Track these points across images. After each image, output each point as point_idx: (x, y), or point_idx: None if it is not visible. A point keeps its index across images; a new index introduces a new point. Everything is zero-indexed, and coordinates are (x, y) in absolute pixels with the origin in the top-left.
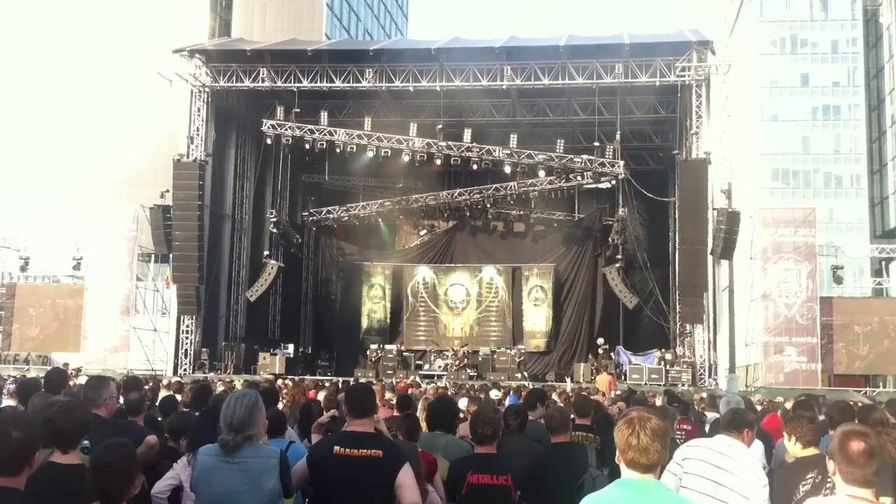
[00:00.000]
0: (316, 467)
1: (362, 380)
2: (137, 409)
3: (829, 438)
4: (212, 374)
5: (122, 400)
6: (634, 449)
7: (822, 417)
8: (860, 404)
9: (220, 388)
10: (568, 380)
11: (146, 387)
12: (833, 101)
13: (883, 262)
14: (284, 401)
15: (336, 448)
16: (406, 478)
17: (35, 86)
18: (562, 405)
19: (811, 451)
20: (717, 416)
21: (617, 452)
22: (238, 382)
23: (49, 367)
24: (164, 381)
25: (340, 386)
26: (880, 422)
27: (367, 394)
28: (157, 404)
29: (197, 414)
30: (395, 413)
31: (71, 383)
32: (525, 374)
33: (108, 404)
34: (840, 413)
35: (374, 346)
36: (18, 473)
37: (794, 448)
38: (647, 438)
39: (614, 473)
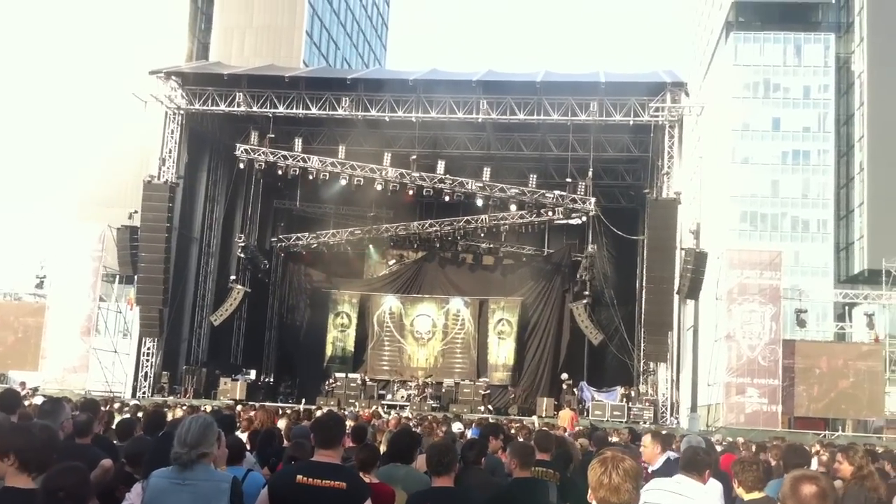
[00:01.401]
0: (277, 495)
1: (325, 408)
2: (85, 430)
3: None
4: (171, 397)
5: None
6: (606, 488)
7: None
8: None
9: (178, 412)
10: (535, 417)
11: (103, 409)
12: (803, 146)
13: (846, 307)
14: (245, 426)
15: (299, 477)
16: None
17: (6, 102)
18: (523, 440)
19: (755, 494)
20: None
21: (589, 491)
22: (208, 409)
23: (4, 386)
24: (117, 405)
25: (301, 413)
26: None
27: (336, 425)
28: (113, 427)
29: (149, 438)
30: (351, 444)
31: (27, 402)
32: (490, 406)
33: (64, 427)
34: (794, 456)
35: (338, 375)
36: None
37: (739, 492)
38: (619, 478)
39: None
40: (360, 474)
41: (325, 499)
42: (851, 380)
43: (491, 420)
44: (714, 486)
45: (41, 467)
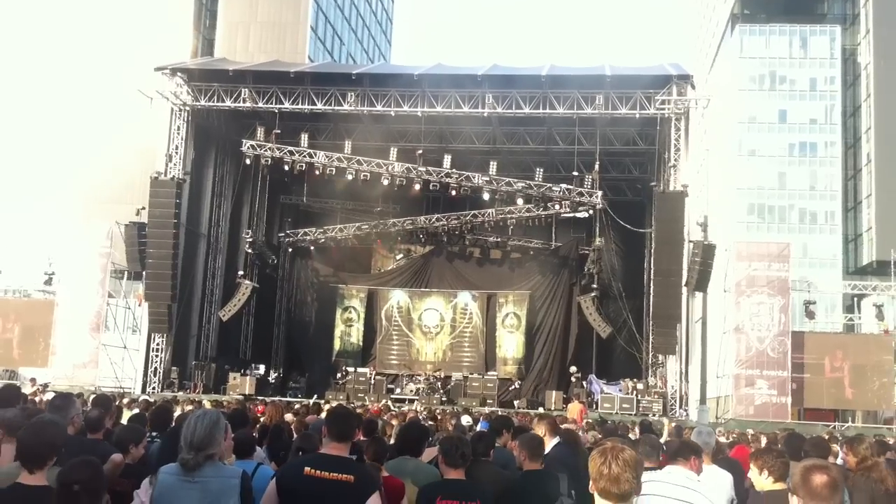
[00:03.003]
0: (284, 487)
1: (333, 402)
2: (97, 426)
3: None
4: (181, 393)
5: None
6: (606, 478)
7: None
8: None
9: (188, 407)
10: (541, 409)
11: (115, 404)
12: (810, 138)
13: (855, 299)
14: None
15: (307, 469)
16: None
17: (13, 99)
18: (534, 433)
19: (780, 485)
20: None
21: (590, 482)
22: (207, 403)
23: (18, 383)
24: (126, 401)
25: (310, 408)
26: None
27: (349, 418)
28: (122, 422)
29: (155, 434)
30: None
31: (38, 399)
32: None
33: (74, 422)
34: (815, 449)
35: (347, 369)
36: None
37: (764, 482)
38: (619, 468)
39: (584, 501)
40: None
41: (333, 491)
42: (861, 371)
43: (500, 413)
44: (715, 473)
45: (39, 461)
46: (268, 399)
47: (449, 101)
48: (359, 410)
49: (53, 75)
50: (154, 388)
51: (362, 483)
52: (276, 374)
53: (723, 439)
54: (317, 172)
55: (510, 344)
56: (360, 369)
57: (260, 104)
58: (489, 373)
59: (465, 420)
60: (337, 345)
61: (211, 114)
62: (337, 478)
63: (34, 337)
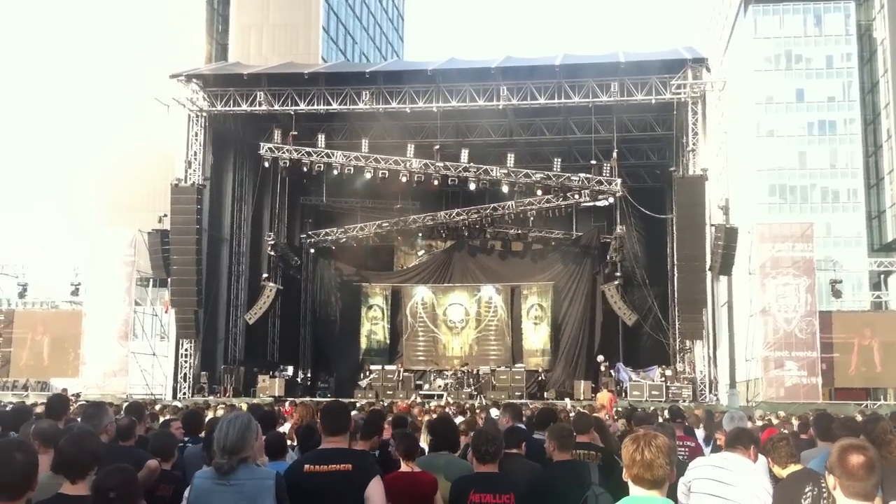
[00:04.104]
0: (288, 487)
1: (362, 401)
2: (128, 433)
3: (828, 452)
4: (211, 397)
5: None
6: (639, 464)
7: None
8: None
9: (220, 411)
10: (567, 399)
11: (147, 412)
12: (829, 117)
13: (881, 276)
14: (292, 421)
15: (307, 466)
16: (374, 491)
17: (32, 110)
18: (564, 423)
19: (794, 467)
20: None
21: (624, 469)
22: (244, 406)
23: (50, 393)
24: (158, 407)
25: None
26: (887, 430)
27: (342, 412)
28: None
29: (187, 439)
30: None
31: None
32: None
33: (107, 430)
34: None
35: (374, 367)
36: (21, 497)
37: (775, 469)
38: (652, 454)
39: (617, 490)
40: (403, 463)
41: (332, 482)
42: (891, 348)
43: (541, 405)
44: (760, 461)
45: (81, 471)
46: (297, 400)
47: (464, 96)
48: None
49: (69, 88)
50: (185, 394)
51: (361, 470)
52: (304, 375)
53: (758, 423)
54: (335, 172)
55: (536, 335)
56: (387, 367)
57: (276, 107)
58: (516, 365)
59: (495, 413)
60: (364, 343)
61: (228, 118)
62: (335, 468)
63: (64, 347)
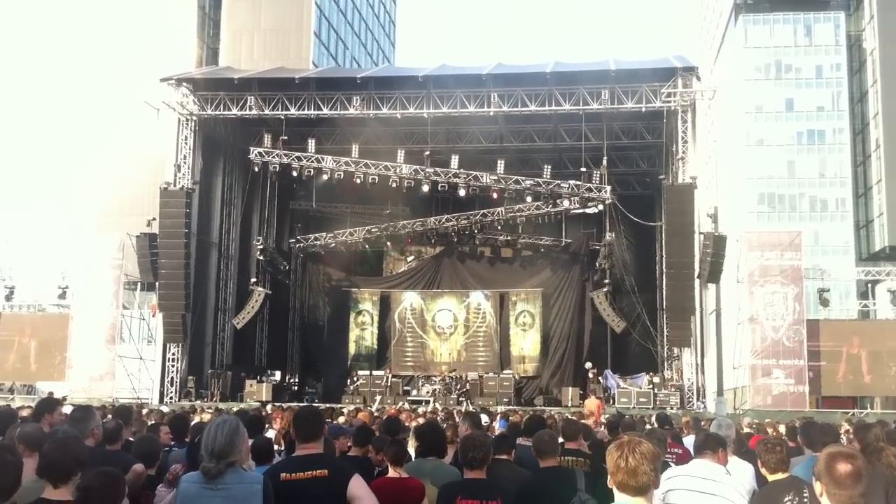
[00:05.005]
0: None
1: (350, 406)
2: (114, 437)
3: (815, 460)
4: (198, 401)
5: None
6: (623, 471)
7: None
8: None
9: (206, 416)
10: (556, 406)
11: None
12: (818, 126)
13: (869, 285)
14: (277, 426)
15: (283, 475)
16: (358, 488)
17: (21, 115)
18: (550, 430)
19: (780, 475)
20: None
21: (608, 476)
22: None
23: (35, 397)
24: (145, 411)
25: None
26: (879, 438)
27: (314, 418)
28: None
29: (173, 444)
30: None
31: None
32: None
33: (94, 434)
34: (824, 436)
35: (362, 373)
36: (8, 499)
37: (763, 472)
38: (636, 461)
39: (604, 497)
40: (391, 469)
41: (310, 489)
42: (878, 357)
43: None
44: (740, 466)
45: (64, 475)
46: (284, 405)
47: (454, 102)
48: (375, 414)
49: (58, 91)
50: (171, 398)
51: (336, 474)
52: (291, 380)
53: (747, 430)
54: (325, 177)
55: (525, 342)
56: (375, 372)
57: (266, 111)
58: (504, 371)
59: (483, 419)
60: (352, 349)
61: (218, 123)
62: (311, 475)
63: (50, 351)
